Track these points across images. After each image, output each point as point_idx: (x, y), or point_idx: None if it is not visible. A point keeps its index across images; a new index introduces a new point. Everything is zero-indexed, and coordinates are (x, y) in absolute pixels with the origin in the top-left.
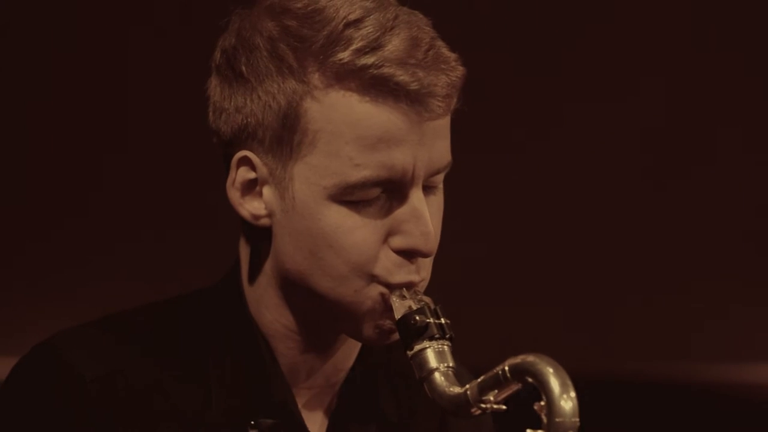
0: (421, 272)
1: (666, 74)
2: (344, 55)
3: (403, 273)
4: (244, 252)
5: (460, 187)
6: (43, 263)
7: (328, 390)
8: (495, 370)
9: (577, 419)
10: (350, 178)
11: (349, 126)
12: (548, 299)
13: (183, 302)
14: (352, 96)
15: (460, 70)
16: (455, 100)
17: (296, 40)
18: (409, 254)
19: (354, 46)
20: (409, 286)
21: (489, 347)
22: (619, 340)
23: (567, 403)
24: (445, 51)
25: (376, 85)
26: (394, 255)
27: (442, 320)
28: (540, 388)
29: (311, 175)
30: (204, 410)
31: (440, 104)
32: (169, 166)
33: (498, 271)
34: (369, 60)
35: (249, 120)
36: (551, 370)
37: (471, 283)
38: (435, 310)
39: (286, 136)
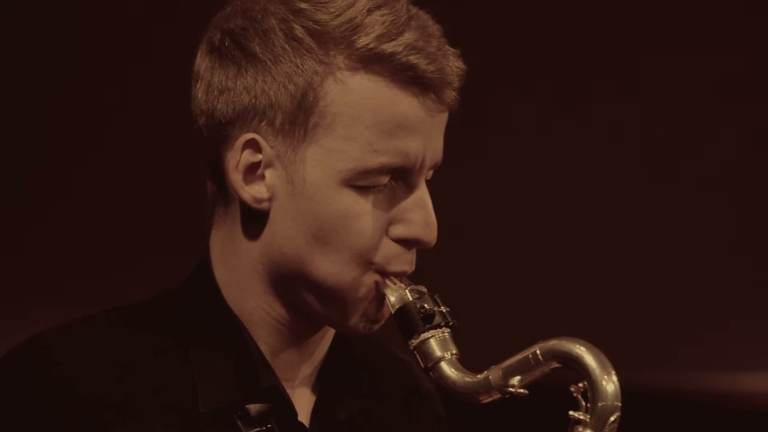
0: (413, 263)
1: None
2: (368, 41)
3: (399, 262)
4: (219, 241)
5: (459, 187)
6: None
7: (306, 380)
8: (523, 354)
9: (620, 403)
10: (368, 164)
11: (372, 111)
12: (546, 305)
13: (156, 302)
14: (379, 81)
15: (463, 65)
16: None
17: (313, 22)
18: (409, 243)
19: (376, 33)
20: (402, 275)
21: (482, 350)
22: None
23: (609, 385)
24: (449, 45)
25: (402, 72)
26: (393, 244)
27: (443, 308)
28: (580, 371)
29: (325, 158)
30: (194, 403)
31: (453, 94)
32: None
33: (494, 274)
34: (395, 47)
35: (258, 100)
36: (589, 352)
37: (466, 284)
38: (434, 298)
39: (300, 118)
